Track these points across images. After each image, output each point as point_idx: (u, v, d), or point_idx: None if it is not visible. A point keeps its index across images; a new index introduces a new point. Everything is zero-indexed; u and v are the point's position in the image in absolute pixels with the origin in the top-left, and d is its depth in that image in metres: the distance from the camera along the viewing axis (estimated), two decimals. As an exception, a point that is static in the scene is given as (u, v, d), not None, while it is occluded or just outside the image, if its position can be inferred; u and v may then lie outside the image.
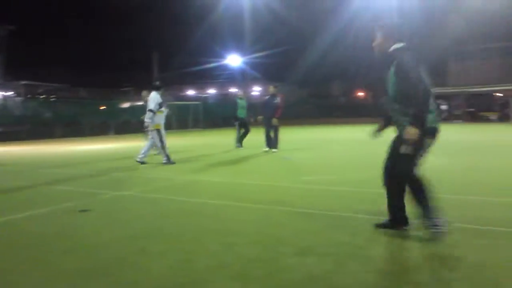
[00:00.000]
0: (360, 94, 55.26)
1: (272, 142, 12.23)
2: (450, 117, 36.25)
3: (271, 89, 12.50)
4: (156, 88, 9.92)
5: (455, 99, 36.62)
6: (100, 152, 14.52)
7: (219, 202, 5.45)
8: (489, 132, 21.03)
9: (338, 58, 40.19)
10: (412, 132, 3.24)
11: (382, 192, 3.79)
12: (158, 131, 9.74)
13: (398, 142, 3.50)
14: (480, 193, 5.64)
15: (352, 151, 12.52)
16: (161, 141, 9.72)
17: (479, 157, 9.97)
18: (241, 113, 13.51)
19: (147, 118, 9.77)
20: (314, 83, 53.38)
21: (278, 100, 12.18)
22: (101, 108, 31.57)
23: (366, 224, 4.11)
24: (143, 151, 9.97)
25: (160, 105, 9.74)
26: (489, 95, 36.34)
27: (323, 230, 4.04)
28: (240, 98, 13.71)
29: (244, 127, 13.55)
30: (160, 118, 9.83)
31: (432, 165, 8.60)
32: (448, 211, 3.89)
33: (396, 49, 3.45)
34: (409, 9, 35.22)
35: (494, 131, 21.80)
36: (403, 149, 3.37)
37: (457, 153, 10.82)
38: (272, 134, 12.24)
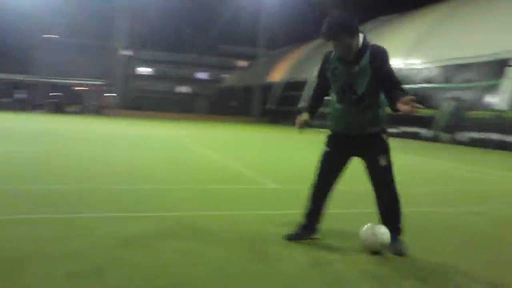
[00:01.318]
0: None
1: None
2: (30, 107, 34.78)
3: None
4: None
5: (37, 88, 35.41)
6: None
7: None
8: (69, 122, 21.20)
9: None
10: (408, 99, 2.67)
11: None
12: None
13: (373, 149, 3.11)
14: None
15: None
16: None
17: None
18: None
19: None
20: None
21: None
22: None
23: None
24: None
25: None
26: (71, 88, 37.12)
27: None
28: None
29: None
30: None
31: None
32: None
33: (365, 40, 3.11)
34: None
35: (74, 121, 22.23)
36: (384, 161, 3.05)
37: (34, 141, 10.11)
38: None
